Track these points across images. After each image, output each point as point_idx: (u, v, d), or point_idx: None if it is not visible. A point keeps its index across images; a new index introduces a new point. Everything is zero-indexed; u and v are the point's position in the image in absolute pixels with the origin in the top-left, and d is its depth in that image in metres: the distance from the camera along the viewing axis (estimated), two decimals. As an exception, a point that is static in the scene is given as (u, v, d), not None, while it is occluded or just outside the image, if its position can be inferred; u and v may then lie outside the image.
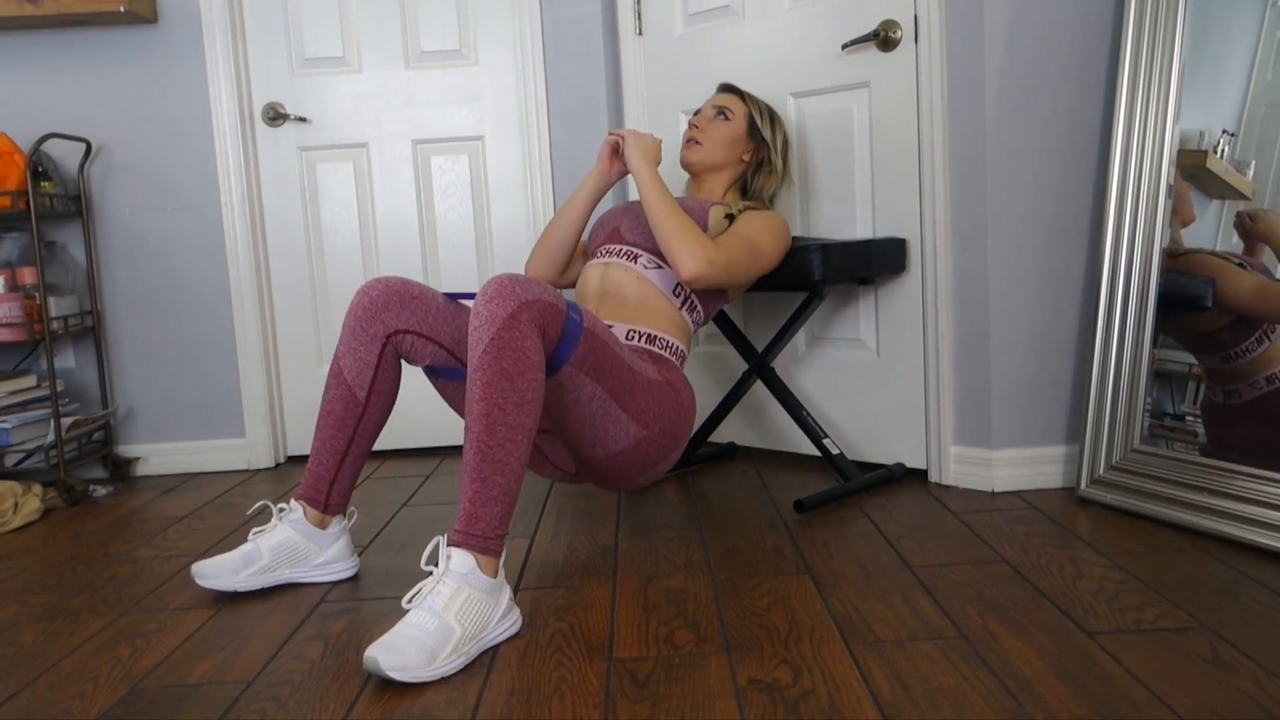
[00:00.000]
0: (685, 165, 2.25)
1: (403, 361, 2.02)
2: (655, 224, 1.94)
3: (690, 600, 1.68)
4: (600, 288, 2.06)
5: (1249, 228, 1.93)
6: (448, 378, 1.87)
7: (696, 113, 2.28)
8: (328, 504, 1.85)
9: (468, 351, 1.54)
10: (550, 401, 1.70)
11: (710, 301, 2.09)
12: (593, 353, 1.67)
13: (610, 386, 1.72)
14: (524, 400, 1.53)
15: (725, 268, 1.94)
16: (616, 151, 2.13)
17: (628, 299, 2.02)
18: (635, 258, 2.05)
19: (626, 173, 2.13)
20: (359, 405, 1.82)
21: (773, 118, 2.29)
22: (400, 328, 1.80)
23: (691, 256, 1.89)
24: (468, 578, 1.50)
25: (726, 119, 2.24)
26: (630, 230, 2.11)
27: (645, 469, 1.87)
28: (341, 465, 1.84)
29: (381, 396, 1.83)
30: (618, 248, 2.09)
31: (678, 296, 2.03)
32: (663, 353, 1.98)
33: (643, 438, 1.80)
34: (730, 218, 2.09)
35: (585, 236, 2.36)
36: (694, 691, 1.35)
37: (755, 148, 2.27)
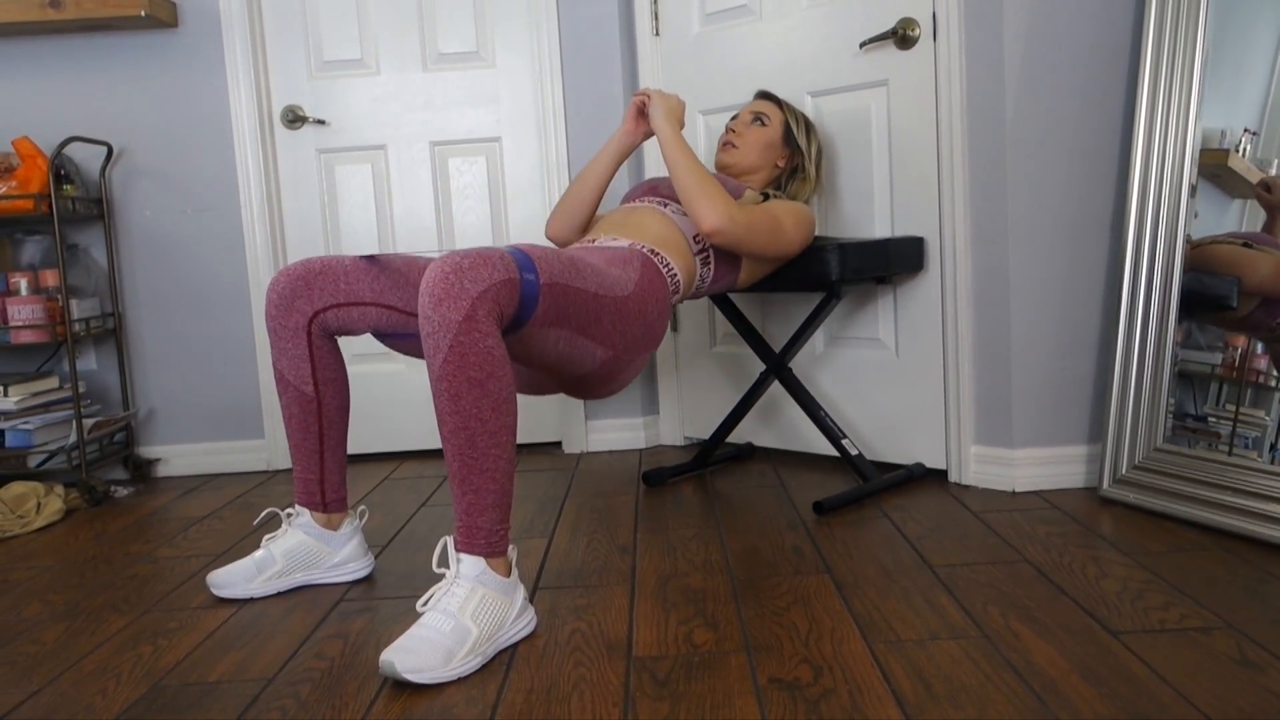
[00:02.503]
0: (721, 167, 2.27)
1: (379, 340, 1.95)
2: (679, 180, 1.94)
3: (710, 600, 1.67)
4: (622, 219, 2.05)
5: (1266, 198, 1.91)
6: (398, 338, 1.83)
7: (734, 117, 2.30)
8: (325, 503, 1.85)
9: (425, 360, 1.46)
10: (515, 351, 1.62)
11: (723, 267, 2.08)
12: (554, 303, 1.57)
13: (576, 324, 1.63)
14: (498, 402, 1.47)
15: (746, 227, 1.95)
16: (642, 112, 2.14)
17: (648, 229, 2.00)
18: (665, 205, 2.06)
19: (651, 134, 2.14)
20: (312, 400, 1.80)
21: (808, 126, 2.32)
22: (317, 308, 1.75)
23: (713, 209, 1.90)
24: (480, 578, 1.49)
25: (763, 125, 2.26)
26: (668, 188, 2.14)
27: (611, 382, 1.84)
28: (323, 463, 1.83)
29: (330, 384, 1.81)
30: (650, 199, 2.11)
31: (697, 243, 2.02)
32: (658, 264, 1.91)
33: (609, 358, 1.75)
34: (766, 196, 2.13)
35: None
36: (714, 690, 1.34)
37: (790, 154, 2.30)
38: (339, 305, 1.76)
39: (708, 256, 2.04)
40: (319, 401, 1.80)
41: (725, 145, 2.25)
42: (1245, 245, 1.95)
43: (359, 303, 1.77)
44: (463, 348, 1.43)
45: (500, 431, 1.49)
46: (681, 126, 2.06)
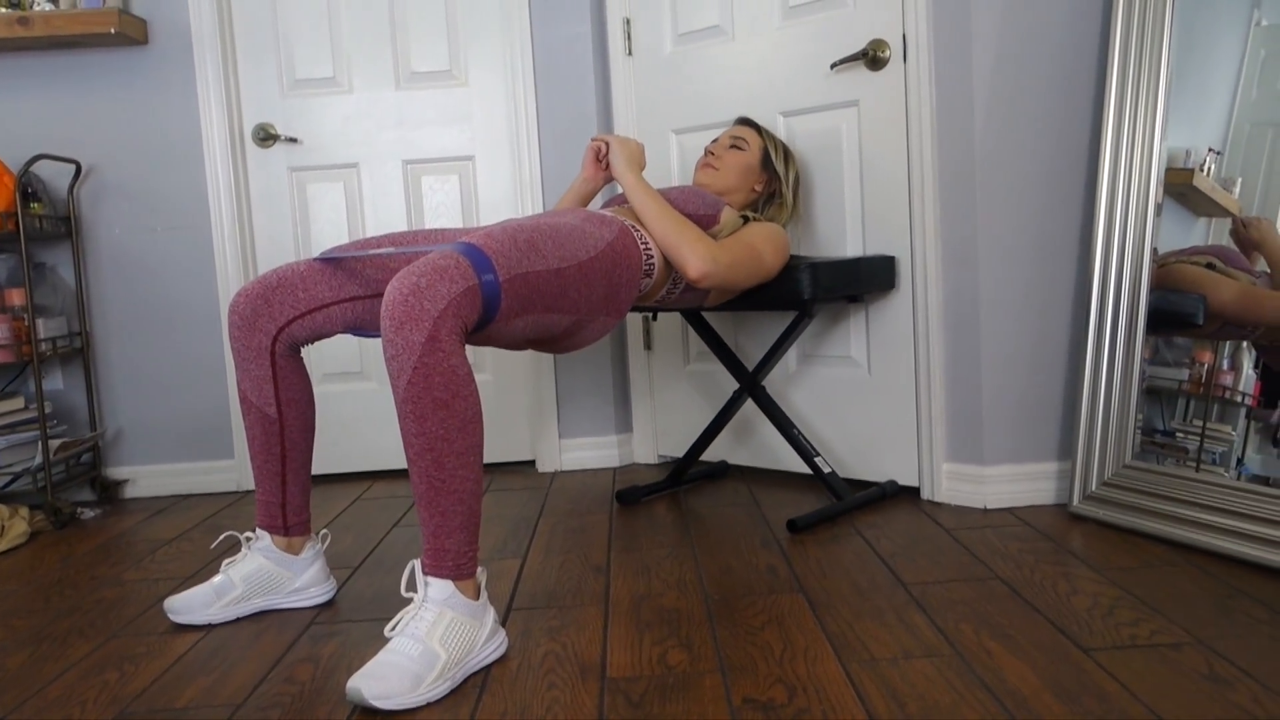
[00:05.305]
0: (699, 186, 2.26)
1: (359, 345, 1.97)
2: (654, 228, 1.93)
3: (684, 620, 1.67)
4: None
5: (1242, 235, 1.94)
6: (372, 336, 1.82)
7: (714, 141, 2.31)
8: (287, 527, 1.82)
9: (390, 383, 1.45)
10: (487, 337, 1.61)
11: (688, 291, 2.07)
12: (516, 295, 1.56)
13: (541, 306, 1.62)
14: (465, 422, 1.47)
15: (730, 266, 1.94)
16: (599, 157, 2.15)
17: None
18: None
19: (612, 179, 2.14)
20: (274, 422, 1.78)
21: (787, 154, 2.33)
22: (281, 323, 1.73)
23: (696, 255, 1.89)
24: (449, 601, 1.48)
25: (741, 150, 2.27)
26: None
27: (589, 340, 1.83)
28: (285, 485, 1.81)
29: (292, 405, 1.79)
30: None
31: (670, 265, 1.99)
32: (638, 239, 1.88)
33: (578, 320, 1.72)
34: (745, 218, 2.12)
35: None
36: (688, 711, 1.34)
37: (768, 180, 2.31)
38: (302, 315, 1.75)
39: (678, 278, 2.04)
40: (281, 424, 1.78)
41: (704, 166, 2.26)
42: (1209, 266, 1.97)
43: (322, 306, 1.75)
44: (427, 369, 1.42)
45: (467, 452, 1.48)
46: (642, 169, 2.05)
